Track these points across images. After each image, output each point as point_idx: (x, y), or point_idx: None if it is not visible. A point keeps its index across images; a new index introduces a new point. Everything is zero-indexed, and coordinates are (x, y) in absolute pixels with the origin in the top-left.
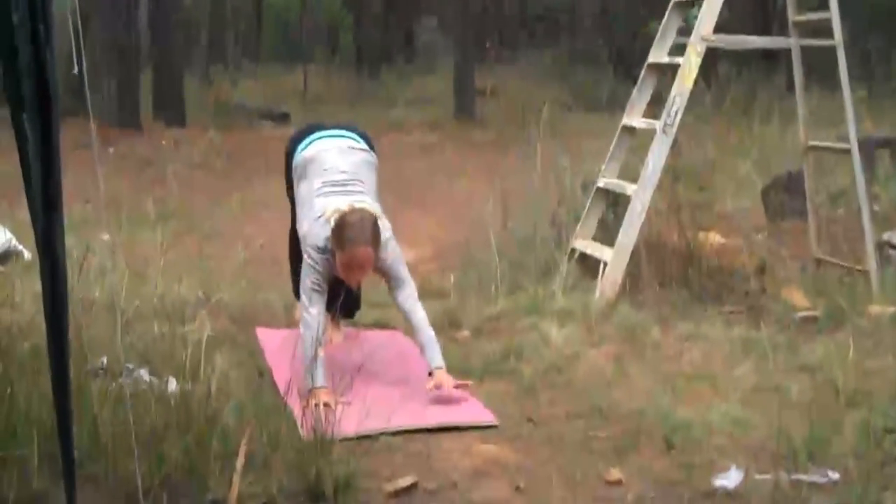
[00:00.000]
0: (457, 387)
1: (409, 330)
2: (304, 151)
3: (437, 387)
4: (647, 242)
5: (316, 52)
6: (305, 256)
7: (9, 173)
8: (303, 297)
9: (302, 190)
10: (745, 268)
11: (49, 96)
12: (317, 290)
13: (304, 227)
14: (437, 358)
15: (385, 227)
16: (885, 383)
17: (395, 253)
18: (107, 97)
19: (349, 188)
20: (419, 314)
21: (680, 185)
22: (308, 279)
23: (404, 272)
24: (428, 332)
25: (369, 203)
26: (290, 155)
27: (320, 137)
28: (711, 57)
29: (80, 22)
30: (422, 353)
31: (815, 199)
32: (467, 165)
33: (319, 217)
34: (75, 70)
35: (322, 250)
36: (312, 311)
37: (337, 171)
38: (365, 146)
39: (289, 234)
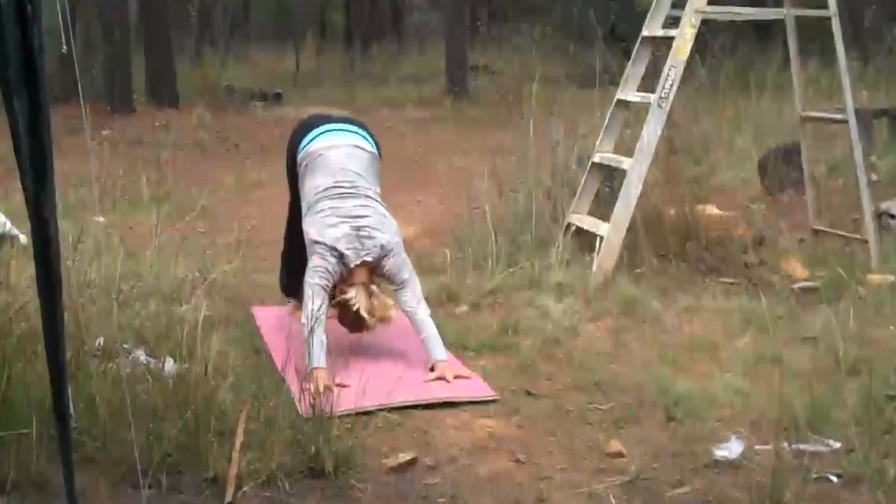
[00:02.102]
0: (457, 377)
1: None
2: (311, 146)
3: (439, 378)
4: (645, 216)
5: (306, 32)
6: (316, 257)
7: (3, 158)
8: (307, 291)
9: (308, 188)
10: (744, 240)
11: (37, 76)
12: (323, 288)
13: (312, 231)
14: (439, 353)
15: (393, 230)
16: (885, 352)
17: (398, 258)
18: (99, 79)
19: (357, 191)
20: (421, 314)
21: (676, 158)
22: (316, 276)
23: (407, 274)
24: (430, 329)
25: (376, 216)
26: (293, 149)
27: (327, 132)
28: (707, 30)
29: (67, 2)
30: (424, 348)
31: (812, 170)
32: (462, 141)
33: (334, 224)
34: (64, 49)
35: (336, 255)
36: (316, 303)
37: (345, 172)
38: (371, 145)
39: (286, 229)
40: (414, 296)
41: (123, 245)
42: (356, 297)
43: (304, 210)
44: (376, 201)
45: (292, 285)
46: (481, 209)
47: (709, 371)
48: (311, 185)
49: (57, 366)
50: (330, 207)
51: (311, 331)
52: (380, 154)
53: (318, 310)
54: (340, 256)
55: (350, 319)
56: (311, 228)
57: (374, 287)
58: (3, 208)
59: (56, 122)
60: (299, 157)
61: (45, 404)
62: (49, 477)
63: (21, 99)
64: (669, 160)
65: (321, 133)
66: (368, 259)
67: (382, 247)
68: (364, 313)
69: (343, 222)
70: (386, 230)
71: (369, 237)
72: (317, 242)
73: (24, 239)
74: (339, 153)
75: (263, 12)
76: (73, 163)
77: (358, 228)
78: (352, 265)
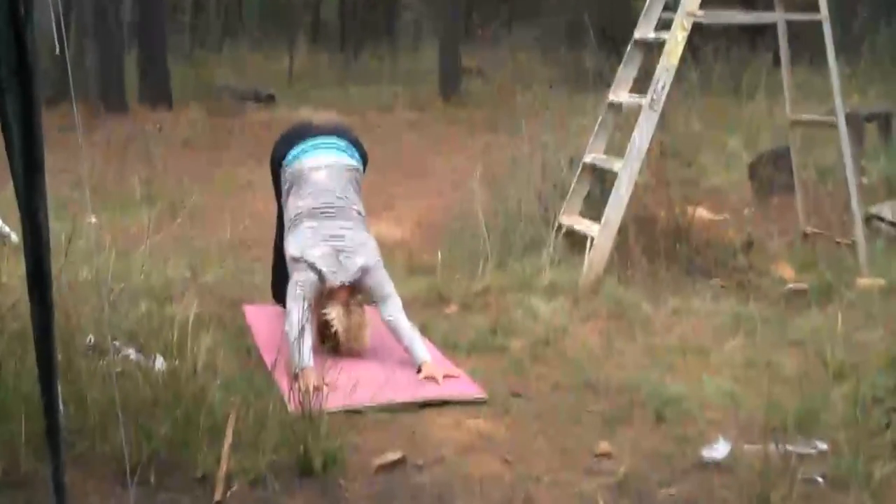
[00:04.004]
0: (446, 377)
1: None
2: (294, 164)
3: (429, 378)
4: (635, 218)
5: (299, 33)
6: (297, 273)
7: None
8: (290, 302)
9: (290, 206)
10: (734, 242)
11: (30, 74)
12: (306, 298)
13: (292, 249)
14: (422, 354)
15: (373, 252)
16: (873, 355)
17: (379, 275)
18: (92, 78)
19: (338, 213)
20: (403, 324)
21: (667, 160)
22: (298, 288)
23: (388, 290)
24: (412, 334)
25: (357, 238)
26: (277, 161)
27: (310, 148)
28: (698, 34)
29: (60, 3)
30: (408, 353)
31: (802, 173)
32: (454, 143)
33: (314, 244)
34: (57, 51)
35: (316, 272)
36: (300, 310)
37: (327, 194)
38: (354, 161)
39: (275, 238)
40: (395, 308)
41: (115, 244)
42: (336, 317)
43: (286, 226)
44: (358, 222)
45: (282, 292)
46: (472, 210)
47: (698, 373)
48: (294, 204)
49: (47, 363)
50: (311, 228)
51: (299, 333)
52: (365, 160)
53: (303, 314)
54: (320, 274)
55: (327, 338)
56: (292, 246)
57: (354, 307)
58: None
59: (48, 120)
60: (283, 171)
61: (35, 402)
62: (38, 474)
63: (13, 97)
64: (660, 163)
65: (304, 149)
66: (347, 282)
67: (361, 268)
68: (341, 333)
69: (324, 242)
70: (366, 252)
71: (349, 259)
72: (297, 260)
73: (15, 238)
74: (322, 174)
75: (257, 13)
76: (66, 162)
77: (338, 250)
78: (329, 286)
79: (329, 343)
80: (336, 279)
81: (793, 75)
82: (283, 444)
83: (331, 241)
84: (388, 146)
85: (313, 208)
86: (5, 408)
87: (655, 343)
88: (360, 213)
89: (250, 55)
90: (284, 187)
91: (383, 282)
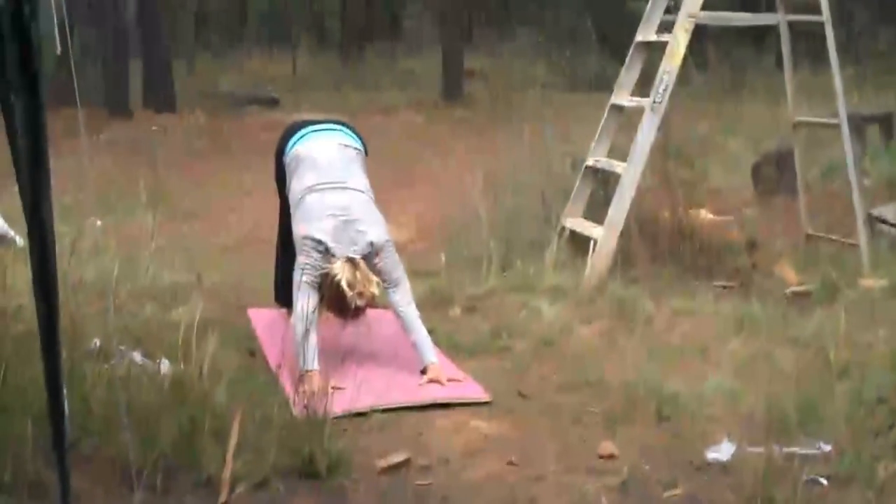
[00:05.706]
0: (450, 380)
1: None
2: (297, 147)
3: (432, 381)
4: (639, 219)
5: (301, 37)
6: (302, 256)
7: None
8: (296, 292)
9: (295, 186)
10: (737, 243)
11: (35, 77)
12: (311, 286)
13: (300, 227)
14: (429, 355)
15: (382, 227)
16: (876, 355)
17: (390, 256)
18: (97, 83)
19: (345, 186)
20: (412, 314)
21: (670, 162)
22: (305, 275)
23: (399, 273)
24: (420, 331)
25: (365, 211)
26: (280, 154)
27: (312, 132)
28: (701, 36)
29: (64, 6)
30: (415, 350)
31: (805, 174)
32: (456, 145)
33: (320, 218)
34: (58, 51)
35: (322, 250)
36: (308, 304)
37: (331, 168)
38: (356, 142)
39: (278, 235)
40: (405, 296)
41: (119, 247)
42: (340, 269)
43: (292, 209)
44: (365, 196)
45: (285, 295)
46: (475, 212)
47: (700, 373)
48: (299, 182)
49: (53, 367)
50: (318, 202)
51: (305, 333)
52: (366, 152)
53: (310, 310)
54: (326, 251)
55: (334, 297)
56: (300, 224)
57: (360, 261)
58: (0, 210)
59: (54, 125)
60: (286, 159)
61: (41, 405)
62: (44, 478)
63: (19, 100)
64: (663, 164)
65: (306, 134)
66: (356, 256)
67: (372, 244)
68: (345, 286)
69: (331, 216)
70: (376, 226)
71: (359, 231)
72: (304, 237)
73: (20, 241)
74: (326, 151)
75: (260, 17)
76: (71, 165)
77: (346, 222)
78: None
79: (336, 299)
80: (342, 253)
81: (795, 76)
82: (288, 447)
83: (338, 214)
84: (390, 149)
85: (318, 182)
86: (12, 411)
87: (658, 343)
88: (366, 189)
89: (253, 59)
90: (288, 173)
91: (393, 265)
